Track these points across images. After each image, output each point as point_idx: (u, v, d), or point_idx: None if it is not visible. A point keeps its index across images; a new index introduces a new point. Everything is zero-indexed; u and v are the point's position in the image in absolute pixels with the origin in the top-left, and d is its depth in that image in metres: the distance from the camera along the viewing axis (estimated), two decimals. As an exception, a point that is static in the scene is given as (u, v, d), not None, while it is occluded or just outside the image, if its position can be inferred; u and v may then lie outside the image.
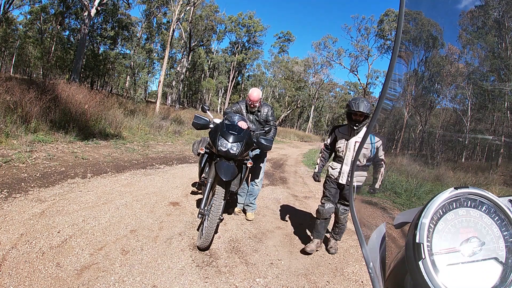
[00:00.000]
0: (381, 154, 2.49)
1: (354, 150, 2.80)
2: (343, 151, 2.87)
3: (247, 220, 3.64)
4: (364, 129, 2.81)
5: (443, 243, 0.39)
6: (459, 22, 0.57)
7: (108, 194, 3.72)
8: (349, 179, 2.42)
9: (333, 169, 2.95)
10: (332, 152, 3.09)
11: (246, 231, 3.30)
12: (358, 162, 2.20)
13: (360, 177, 2.40)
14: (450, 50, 0.63)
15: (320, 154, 3.15)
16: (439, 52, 0.65)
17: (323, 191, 3.02)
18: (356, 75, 39.05)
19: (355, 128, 2.73)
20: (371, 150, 2.54)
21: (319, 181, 3.11)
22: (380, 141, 2.31)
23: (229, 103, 38.01)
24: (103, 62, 27.57)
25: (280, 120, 37.89)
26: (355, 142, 2.80)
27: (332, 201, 2.92)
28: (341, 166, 2.87)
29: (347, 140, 2.84)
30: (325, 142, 3.13)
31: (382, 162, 2.34)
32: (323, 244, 3.20)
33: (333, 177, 2.92)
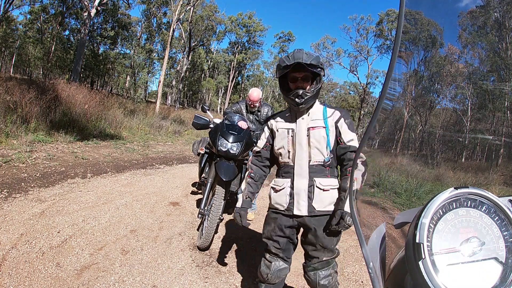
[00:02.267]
0: (349, 137, 1.54)
1: (309, 144, 1.54)
2: (289, 151, 1.58)
3: (247, 220, 3.64)
4: (319, 105, 1.61)
5: (443, 243, 0.39)
6: (459, 22, 0.57)
7: (108, 194, 3.72)
8: (314, 206, 1.52)
9: (277, 190, 1.61)
10: (271, 165, 1.76)
11: (246, 231, 3.30)
12: (314, 162, 1.55)
13: (328, 191, 1.53)
14: (450, 50, 0.63)
15: (247, 173, 1.74)
16: (439, 52, 0.65)
17: (265, 241, 1.67)
18: (355, 75, 39.04)
19: (298, 102, 1.48)
20: (326, 134, 1.54)
21: (244, 224, 1.69)
22: (338, 112, 1.57)
23: (229, 103, 38.03)
24: (103, 62, 27.59)
25: (280, 120, 37.80)
26: (309, 128, 1.55)
27: (284, 258, 1.63)
28: (292, 182, 1.56)
29: (294, 131, 1.58)
30: (255, 147, 1.77)
31: (358, 161, 1.17)
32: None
33: (281, 209, 1.58)
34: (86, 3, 15.01)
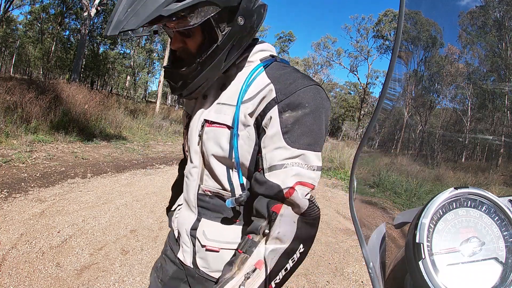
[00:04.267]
0: (278, 157, 0.65)
1: (202, 153, 0.77)
2: (187, 151, 0.85)
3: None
4: (250, 66, 0.75)
5: (443, 243, 0.39)
6: (459, 22, 0.57)
7: (108, 194, 3.72)
8: (197, 261, 0.80)
9: (174, 209, 0.98)
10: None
11: (246, 231, 3.31)
12: (205, 188, 0.79)
13: (217, 252, 0.77)
14: (450, 50, 0.63)
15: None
16: (439, 52, 0.65)
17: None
18: (356, 75, 39.09)
19: (173, 87, 0.75)
20: (233, 139, 0.69)
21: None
22: (272, 90, 0.67)
23: (229, 103, 38.02)
24: (103, 62, 27.60)
25: (280, 120, 37.82)
26: (205, 122, 0.75)
27: None
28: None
29: (190, 121, 0.82)
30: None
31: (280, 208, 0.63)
32: (322, 244, 3.19)
33: (173, 239, 0.92)
34: (86, 3, 15.01)
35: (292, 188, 0.63)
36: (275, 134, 0.66)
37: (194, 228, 0.82)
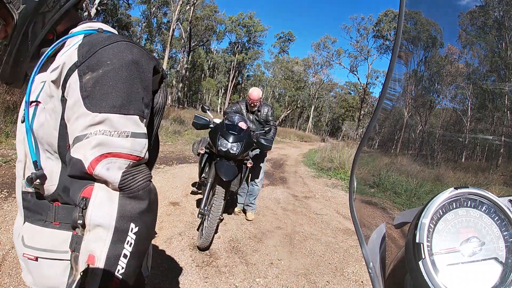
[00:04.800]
0: (78, 128, 0.58)
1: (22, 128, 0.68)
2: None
3: (247, 220, 3.64)
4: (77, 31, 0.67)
5: (443, 243, 0.39)
6: (459, 22, 0.57)
7: (108, 194, 3.73)
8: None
9: None
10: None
11: (246, 231, 3.31)
12: (23, 187, 0.70)
13: (34, 261, 0.67)
14: (450, 50, 0.63)
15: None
16: (439, 52, 0.65)
17: None
18: (356, 75, 39.11)
19: None
20: (26, 119, 0.64)
21: None
22: (74, 55, 0.61)
23: (229, 103, 38.08)
24: (103, 62, 27.65)
25: (280, 120, 37.96)
26: (28, 103, 0.64)
27: None
28: None
29: None
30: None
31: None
32: (323, 242, 3.20)
33: None
34: (86, 3, 15.02)
35: (95, 161, 0.55)
36: (75, 102, 0.58)
37: (21, 236, 0.72)
